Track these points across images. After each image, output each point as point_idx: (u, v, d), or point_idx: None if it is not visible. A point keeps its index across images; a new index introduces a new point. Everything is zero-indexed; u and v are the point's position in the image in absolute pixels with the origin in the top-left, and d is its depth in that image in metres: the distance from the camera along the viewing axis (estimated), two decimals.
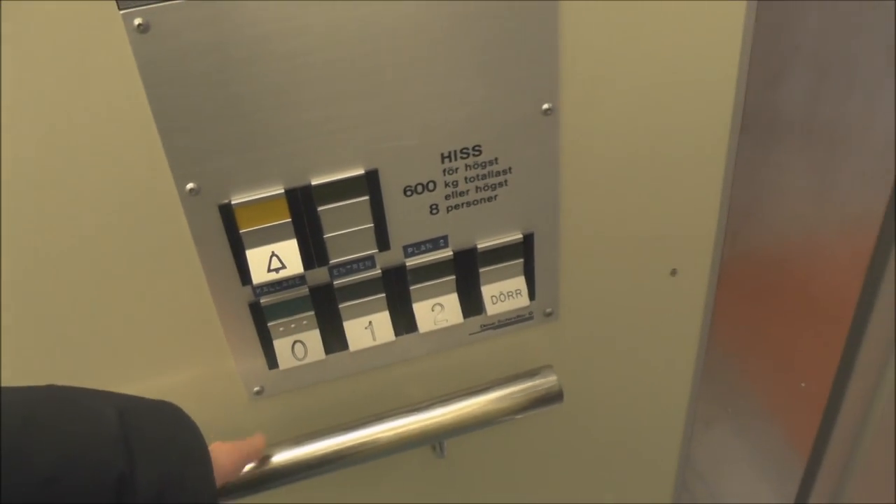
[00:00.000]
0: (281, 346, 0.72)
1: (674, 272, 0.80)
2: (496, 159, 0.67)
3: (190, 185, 0.62)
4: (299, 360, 0.73)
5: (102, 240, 0.63)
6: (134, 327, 0.68)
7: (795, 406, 1.00)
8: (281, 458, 0.72)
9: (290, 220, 0.65)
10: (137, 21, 0.55)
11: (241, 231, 0.65)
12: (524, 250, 0.73)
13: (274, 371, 0.75)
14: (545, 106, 0.65)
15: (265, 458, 0.71)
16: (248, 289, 0.69)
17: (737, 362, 0.96)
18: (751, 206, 0.78)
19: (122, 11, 0.54)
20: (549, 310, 0.78)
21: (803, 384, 0.97)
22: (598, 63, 0.65)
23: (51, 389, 0.55)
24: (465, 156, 0.66)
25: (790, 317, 0.93)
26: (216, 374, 0.74)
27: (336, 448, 0.72)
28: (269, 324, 0.71)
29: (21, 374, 0.66)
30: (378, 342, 0.73)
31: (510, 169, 0.68)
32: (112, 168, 0.60)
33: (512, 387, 0.75)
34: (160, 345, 0.70)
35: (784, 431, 1.07)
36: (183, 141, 0.60)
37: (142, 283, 0.66)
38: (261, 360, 0.74)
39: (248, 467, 0.71)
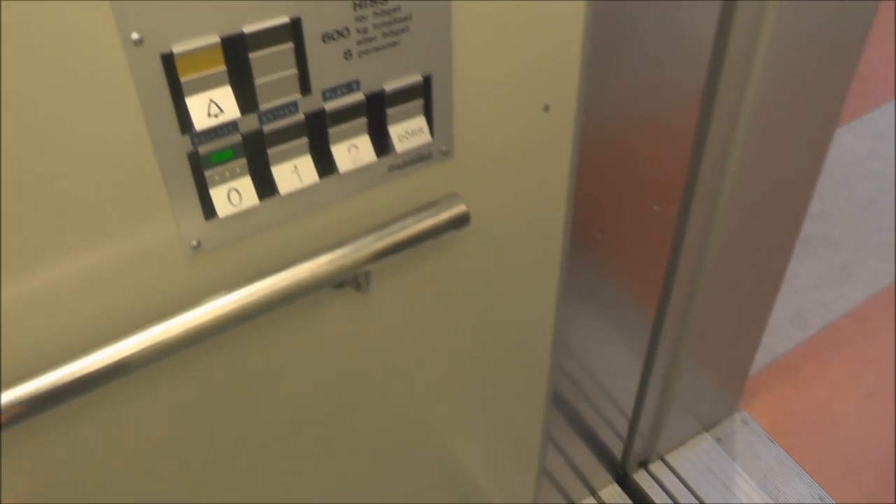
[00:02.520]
0: (217, 194, 0.80)
1: (547, 108, 0.94)
2: (399, 7, 0.78)
3: (135, 35, 0.69)
4: (235, 206, 0.81)
5: (39, 92, 0.66)
6: (75, 187, 0.73)
7: (651, 228, 1.19)
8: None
9: (224, 67, 0.73)
10: None
11: (181, 80, 0.72)
12: (424, 91, 0.84)
13: (210, 223, 0.82)
14: None
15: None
16: (187, 138, 0.76)
17: (600, 194, 1.13)
18: (610, 43, 0.93)
19: None
20: (444, 148, 0.90)
21: (656, 207, 1.16)
22: None
23: None
24: (372, 3, 0.76)
25: (646, 148, 1.11)
26: (155, 230, 0.80)
27: (253, 296, 0.82)
28: (206, 172, 0.79)
29: None
30: (304, 184, 0.83)
31: (411, 16, 0.79)
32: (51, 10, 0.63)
33: (423, 212, 0.87)
34: (102, 205, 0.76)
35: (641, 257, 1.26)
36: None
37: (81, 138, 0.71)
38: (198, 212, 0.81)
39: None
